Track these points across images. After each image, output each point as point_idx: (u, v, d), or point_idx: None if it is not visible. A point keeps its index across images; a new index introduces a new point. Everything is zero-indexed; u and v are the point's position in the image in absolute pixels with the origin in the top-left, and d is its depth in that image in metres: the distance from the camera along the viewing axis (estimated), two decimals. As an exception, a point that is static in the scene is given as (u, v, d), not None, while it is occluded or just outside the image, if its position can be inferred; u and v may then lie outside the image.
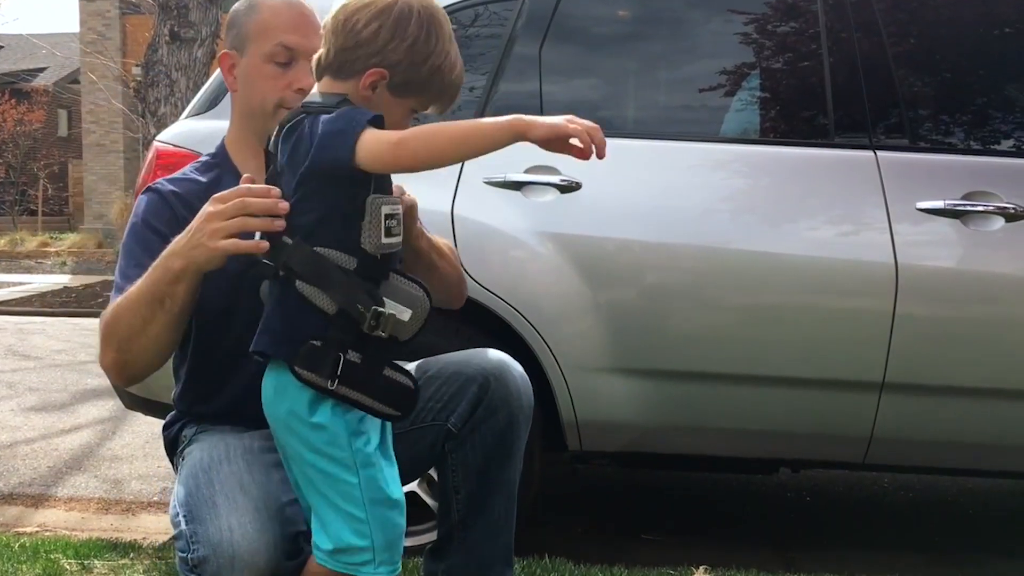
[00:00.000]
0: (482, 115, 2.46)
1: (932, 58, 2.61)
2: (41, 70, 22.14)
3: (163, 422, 1.78)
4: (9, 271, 13.70)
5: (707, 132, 2.60)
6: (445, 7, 1.66)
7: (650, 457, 2.57)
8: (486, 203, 2.40)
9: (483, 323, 2.39)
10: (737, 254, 2.37)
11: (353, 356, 1.30)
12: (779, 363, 2.35)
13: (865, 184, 2.38)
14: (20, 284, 11.94)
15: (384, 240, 1.30)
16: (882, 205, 2.34)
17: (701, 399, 2.40)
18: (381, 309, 1.30)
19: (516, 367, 1.67)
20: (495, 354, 1.67)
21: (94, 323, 3.19)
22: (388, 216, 1.30)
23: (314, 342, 1.29)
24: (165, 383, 2.64)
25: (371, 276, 1.32)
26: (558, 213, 2.38)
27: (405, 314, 1.32)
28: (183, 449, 1.64)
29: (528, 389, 1.67)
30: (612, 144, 2.40)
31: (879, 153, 2.40)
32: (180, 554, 1.42)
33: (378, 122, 1.29)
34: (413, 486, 2.40)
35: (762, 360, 2.36)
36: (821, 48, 2.50)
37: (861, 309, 2.34)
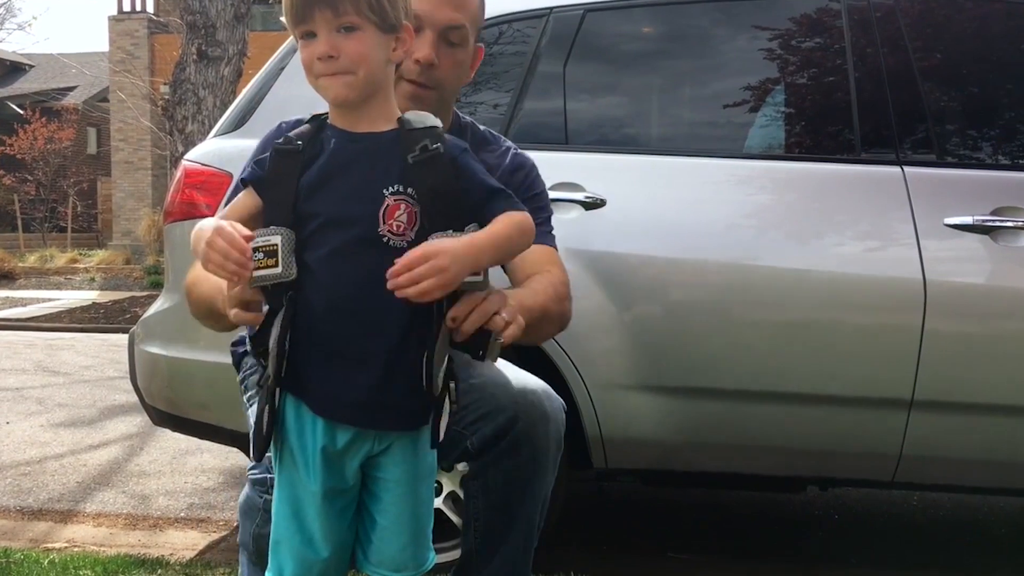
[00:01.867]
0: (506, 133, 2.46)
1: (959, 72, 2.60)
2: (71, 89, 22.44)
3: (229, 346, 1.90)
4: (39, 287, 13.87)
5: (732, 148, 2.59)
6: None
7: (676, 475, 2.55)
8: None
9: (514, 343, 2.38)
10: (763, 270, 2.37)
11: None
12: (806, 380, 2.33)
13: (892, 200, 2.36)
14: (50, 300, 12.08)
15: (255, 274, 1.29)
16: (910, 221, 2.33)
17: (727, 416, 2.39)
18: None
19: (553, 406, 1.63)
20: (536, 387, 1.63)
21: (122, 339, 3.21)
22: (256, 249, 1.29)
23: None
24: (194, 400, 2.69)
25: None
26: (583, 230, 2.38)
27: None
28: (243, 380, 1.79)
29: (560, 430, 1.64)
30: (637, 161, 2.53)
31: (906, 169, 2.39)
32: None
33: None
34: (437, 502, 2.40)
35: (788, 377, 2.34)
36: (847, 63, 2.49)
37: (889, 325, 2.32)
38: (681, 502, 3.49)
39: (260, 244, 1.30)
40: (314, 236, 1.31)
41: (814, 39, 2.64)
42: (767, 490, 2.89)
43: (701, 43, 2.70)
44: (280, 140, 1.37)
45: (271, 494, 1.42)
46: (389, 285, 1.24)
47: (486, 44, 2.54)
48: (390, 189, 1.30)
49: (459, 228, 1.30)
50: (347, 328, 1.30)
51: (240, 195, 1.40)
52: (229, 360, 1.96)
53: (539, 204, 1.72)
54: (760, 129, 2.65)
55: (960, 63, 2.60)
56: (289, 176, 1.33)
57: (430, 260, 1.23)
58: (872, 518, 3.33)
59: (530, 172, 1.78)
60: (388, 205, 1.30)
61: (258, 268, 1.30)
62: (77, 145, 20.66)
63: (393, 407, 1.33)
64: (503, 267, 1.66)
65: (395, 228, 1.30)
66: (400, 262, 1.23)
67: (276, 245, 1.30)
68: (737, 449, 2.42)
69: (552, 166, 2.40)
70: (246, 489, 1.72)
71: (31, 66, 25.14)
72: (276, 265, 1.30)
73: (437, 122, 1.37)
